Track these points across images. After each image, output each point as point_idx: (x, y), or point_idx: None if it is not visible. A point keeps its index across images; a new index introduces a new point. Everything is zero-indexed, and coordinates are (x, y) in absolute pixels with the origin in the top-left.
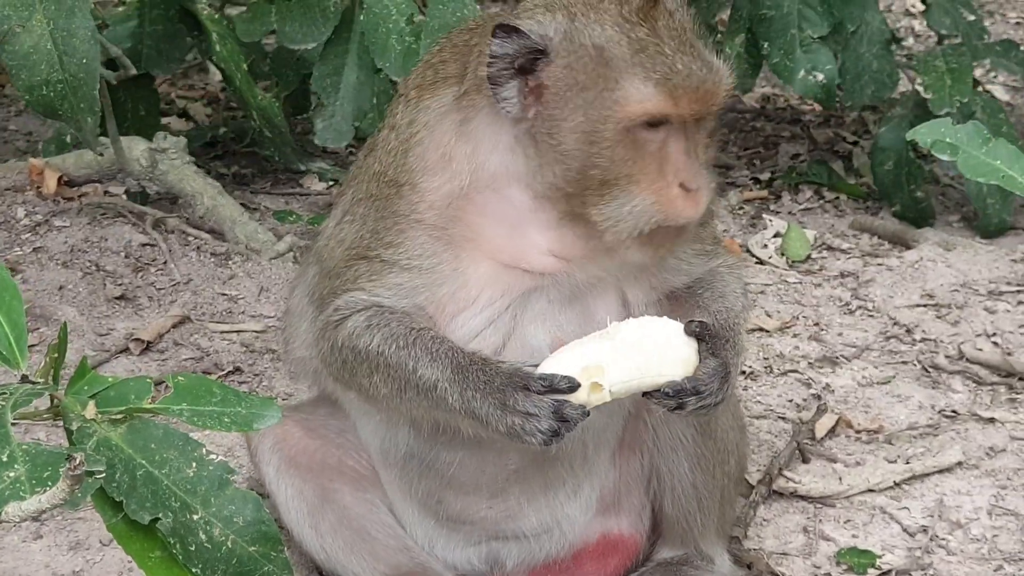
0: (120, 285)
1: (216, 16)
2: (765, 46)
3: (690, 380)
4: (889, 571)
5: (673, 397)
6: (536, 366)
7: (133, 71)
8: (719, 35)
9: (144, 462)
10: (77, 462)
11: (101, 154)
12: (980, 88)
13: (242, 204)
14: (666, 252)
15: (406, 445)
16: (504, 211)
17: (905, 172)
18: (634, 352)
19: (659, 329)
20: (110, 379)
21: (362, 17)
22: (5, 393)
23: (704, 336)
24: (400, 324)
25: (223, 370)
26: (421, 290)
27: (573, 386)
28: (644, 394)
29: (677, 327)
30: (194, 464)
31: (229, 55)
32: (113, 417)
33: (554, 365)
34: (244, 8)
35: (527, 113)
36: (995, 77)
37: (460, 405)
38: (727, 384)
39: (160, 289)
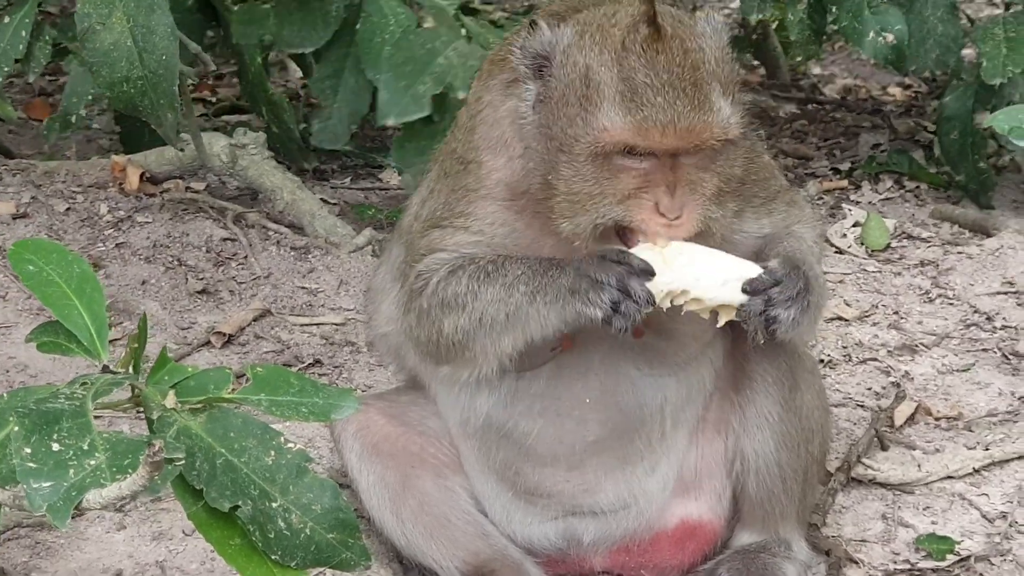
0: (202, 279)
1: (236, 7)
2: (833, 9)
3: (764, 274)
4: (968, 557)
5: (759, 294)
6: None
7: (212, 67)
8: (780, 1)
9: (223, 450)
10: (156, 448)
11: (182, 150)
12: None
13: (321, 199)
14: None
15: (485, 414)
16: None
17: (970, 142)
18: (690, 266)
19: (712, 253)
20: (190, 369)
21: (359, 26)
22: (87, 383)
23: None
24: (485, 257)
25: (303, 362)
26: (500, 250)
27: (648, 269)
28: (737, 315)
29: (729, 256)
30: (273, 452)
31: (246, 47)
32: (193, 407)
33: None
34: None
35: (534, 116)
36: None
37: (539, 293)
38: (800, 273)
39: (241, 283)
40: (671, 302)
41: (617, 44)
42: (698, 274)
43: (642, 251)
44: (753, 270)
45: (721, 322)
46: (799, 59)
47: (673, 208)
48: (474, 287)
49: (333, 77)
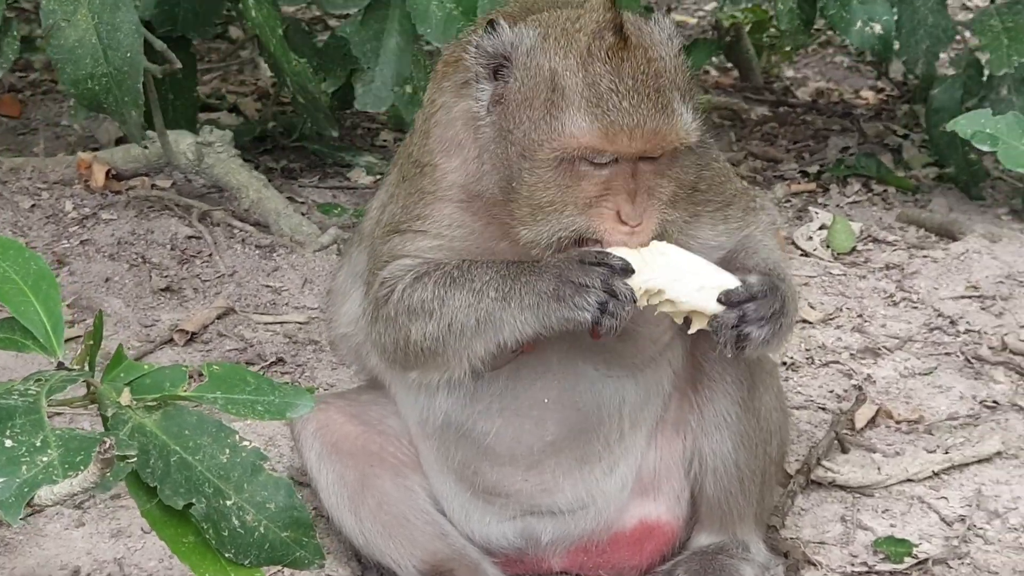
0: (166, 277)
1: None
2: None
3: (742, 287)
4: (926, 560)
5: (735, 307)
6: None
7: (178, 65)
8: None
9: (178, 448)
10: (107, 446)
11: (146, 147)
12: None
13: (289, 198)
14: None
15: (443, 414)
16: None
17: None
18: (668, 267)
19: (691, 258)
20: (146, 367)
21: None
22: (41, 380)
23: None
24: (451, 262)
25: (266, 361)
26: (460, 252)
27: (627, 267)
28: (708, 324)
29: (708, 263)
30: (227, 450)
31: (264, 20)
32: (148, 404)
33: None
34: None
35: (489, 117)
36: None
37: (513, 297)
38: (778, 293)
39: (205, 281)
40: (647, 301)
41: (583, 50)
42: (675, 276)
43: (620, 250)
44: (731, 281)
45: (693, 329)
46: (787, 49)
47: (634, 215)
48: (440, 293)
49: (374, 40)
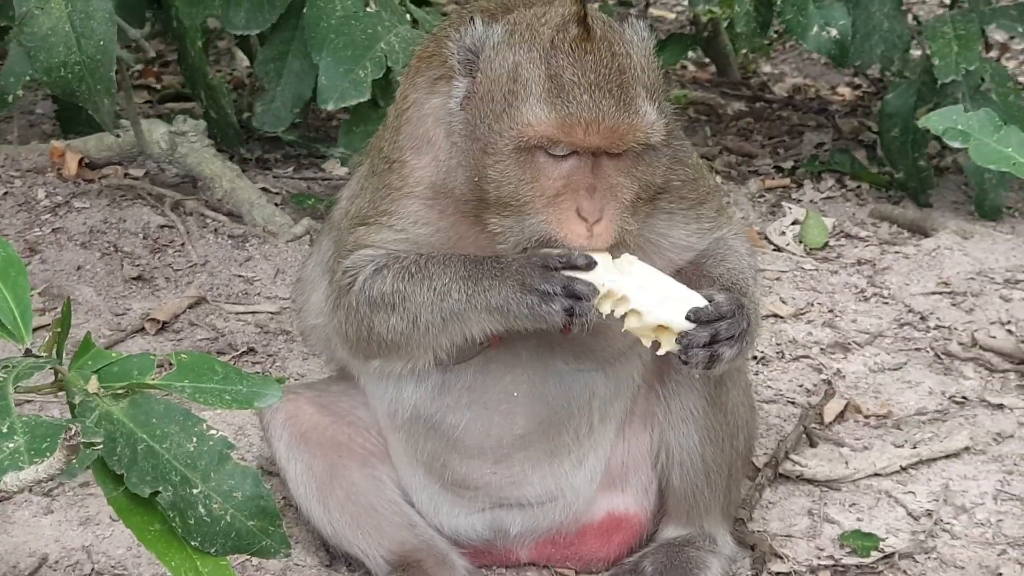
0: (138, 266)
1: None
2: (778, 3)
3: (711, 306)
4: (892, 554)
5: (705, 326)
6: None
7: (152, 54)
8: None
9: (145, 436)
10: (73, 432)
11: (119, 136)
12: (997, 55)
13: (263, 188)
14: None
15: (412, 406)
16: None
17: (911, 139)
18: (635, 276)
19: (660, 275)
20: (113, 355)
21: (306, 10)
22: (8, 366)
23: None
24: (408, 256)
25: (237, 350)
26: (422, 248)
27: (590, 263)
28: (678, 341)
29: (676, 282)
30: (194, 439)
31: (187, 31)
32: (115, 392)
33: None
34: None
35: (461, 114)
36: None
37: (478, 299)
38: (744, 312)
39: (177, 270)
40: (612, 311)
41: (546, 42)
42: (641, 285)
43: (592, 252)
44: (698, 300)
45: (662, 351)
46: (744, 51)
47: (593, 211)
48: (400, 287)
49: (278, 60)
